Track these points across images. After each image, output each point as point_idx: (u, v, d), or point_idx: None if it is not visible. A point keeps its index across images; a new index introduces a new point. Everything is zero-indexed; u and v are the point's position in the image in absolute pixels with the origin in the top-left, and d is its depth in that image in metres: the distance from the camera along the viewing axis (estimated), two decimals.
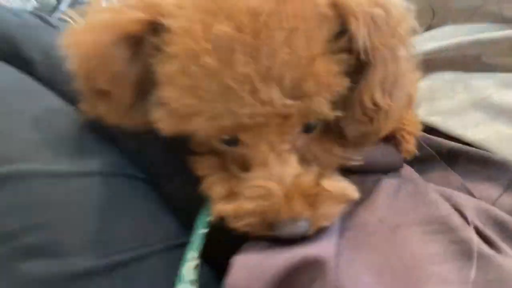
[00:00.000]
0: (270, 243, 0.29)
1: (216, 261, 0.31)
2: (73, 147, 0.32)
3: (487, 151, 0.43)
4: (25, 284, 0.27)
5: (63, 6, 2.64)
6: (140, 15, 0.27)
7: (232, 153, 0.31)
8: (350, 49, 0.28)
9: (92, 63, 0.28)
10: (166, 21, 0.26)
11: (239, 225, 0.29)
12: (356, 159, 0.34)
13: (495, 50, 0.48)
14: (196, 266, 0.29)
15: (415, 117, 0.41)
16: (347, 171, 0.34)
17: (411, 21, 0.31)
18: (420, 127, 0.42)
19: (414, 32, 0.32)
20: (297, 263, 0.27)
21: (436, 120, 0.47)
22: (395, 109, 0.30)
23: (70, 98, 0.35)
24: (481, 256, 0.31)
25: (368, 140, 0.33)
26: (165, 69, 0.27)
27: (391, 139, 0.40)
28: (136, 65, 0.28)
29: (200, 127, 0.27)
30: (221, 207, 0.29)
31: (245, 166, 0.30)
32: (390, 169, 0.39)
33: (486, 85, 0.48)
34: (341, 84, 0.28)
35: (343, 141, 0.33)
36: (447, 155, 0.45)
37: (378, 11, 0.28)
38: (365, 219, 0.33)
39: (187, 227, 0.32)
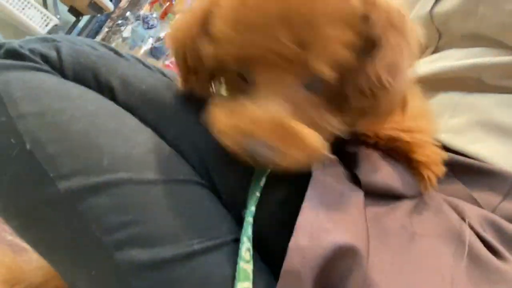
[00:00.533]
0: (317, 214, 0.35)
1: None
2: (157, 160, 0.39)
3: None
4: (125, 267, 0.34)
5: (82, 24, 2.73)
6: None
7: (245, 86, 0.38)
8: (360, 33, 0.35)
9: (182, 48, 0.41)
10: None
11: (222, 135, 0.36)
12: (344, 132, 0.39)
13: (495, 74, 0.52)
14: (248, 251, 0.36)
15: (436, 152, 0.45)
16: (369, 194, 0.39)
17: (420, 38, 0.38)
18: (441, 166, 0.44)
19: (420, 47, 0.39)
20: (338, 249, 0.32)
21: (445, 138, 0.51)
22: (394, 91, 0.36)
23: (144, 120, 0.43)
24: (487, 264, 0.36)
25: (367, 118, 0.39)
26: (218, 9, 0.36)
27: (413, 172, 0.44)
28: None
29: (226, 52, 0.36)
30: (215, 112, 0.37)
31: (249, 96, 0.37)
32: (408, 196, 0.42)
33: (487, 105, 0.52)
34: (342, 53, 0.35)
35: (339, 112, 0.39)
36: (452, 166, 0.48)
37: (397, 19, 0.36)
38: (387, 225, 0.38)
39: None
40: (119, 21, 2.61)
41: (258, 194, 0.39)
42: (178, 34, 0.41)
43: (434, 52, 0.65)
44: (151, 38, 2.68)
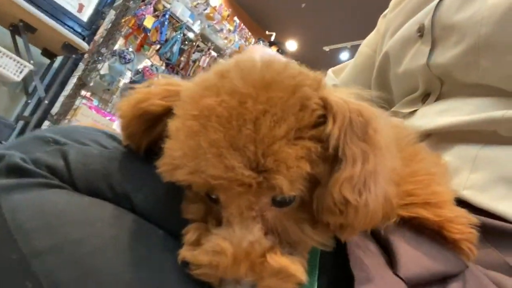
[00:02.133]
0: None
1: None
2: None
3: None
4: None
5: (56, 64, 2.68)
6: (160, 102, 0.38)
7: (214, 208, 0.36)
8: (321, 139, 0.32)
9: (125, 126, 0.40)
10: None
11: (197, 273, 0.33)
12: (328, 245, 0.36)
13: (510, 127, 0.50)
14: None
15: (465, 218, 0.42)
16: (415, 286, 0.36)
17: (389, 134, 0.36)
18: (474, 233, 0.42)
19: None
20: None
21: (468, 194, 0.49)
22: (365, 207, 0.32)
23: (167, 229, 0.39)
24: None
25: (344, 232, 0.35)
26: (171, 125, 0.35)
27: (450, 246, 0.41)
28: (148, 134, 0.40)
29: (182, 178, 0.33)
30: (184, 252, 0.34)
31: (220, 222, 0.35)
32: (454, 274, 0.40)
33: (507, 158, 0.49)
34: (302, 167, 0.31)
35: (318, 224, 0.35)
36: (482, 231, 0.45)
37: (358, 119, 0.33)
38: None
39: None
40: (95, 58, 2.56)
41: None
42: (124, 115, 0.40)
43: (438, 98, 0.63)
44: (129, 72, 2.64)
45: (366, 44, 0.87)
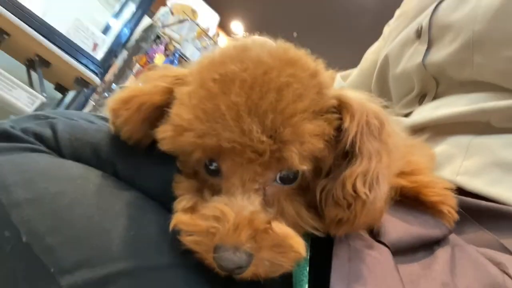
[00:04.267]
0: None
1: None
2: (163, 240, 0.34)
3: None
4: None
5: (68, 99, 2.76)
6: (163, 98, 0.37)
7: (210, 181, 0.35)
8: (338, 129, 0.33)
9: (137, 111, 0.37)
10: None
11: (188, 240, 0.31)
12: (321, 231, 0.35)
13: (502, 117, 0.51)
14: None
15: (441, 182, 0.43)
16: (396, 253, 0.35)
17: (401, 139, 0.37)
18: (449, 192, 0.42)
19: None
20: None
21: (461, 180, 0.50)
22: (372, 201, 0.33)
23: (149, 194, 0.39)
24: None
25: (341, 227, 0.34)
26: (180, 93, 0.35)
27: (430, 211, 0.41)
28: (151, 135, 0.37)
29: (189, 141, 0.32)
30: (178, 217, 0.33)
31: (217, 193, 0.34)
32: (439, 240, 0.40)
33: (499, 145, 0.50)
34: (316, 144, 0.32)
35: (315, 211, 0.35)
36: (477, 214, 0.46)
37: (374, 121, 0.34)
38: (428, 287, 0.34)
39: None
40: (105, 94, 2.64)
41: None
42: (141, 96, 0.38)
43: (434, 99, 0.64)
44: None
45: (372, 51, 0.89)
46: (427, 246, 0.39)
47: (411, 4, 0.77)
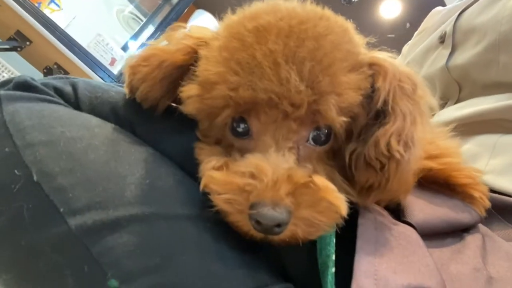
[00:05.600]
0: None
1: None
2: (186, 192, 0.33)
3: None
4: None
5: None
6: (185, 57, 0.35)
7: (238, 144, 0.34)
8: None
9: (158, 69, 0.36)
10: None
11: (220, 199, 0.29)
12: (353, 197, 0.33)
13: None
14: None
15: (474, 171, 0.41)
16: (422, 236, 0.33)
17: (432, 101, 0.36)
18: (484, 186, 0.41)
19: (431, 110, 0.36)
20: None
21: (488, 179, 0.48)
22: (407, 162, 0.31)
23: (168, 154, 0.37)
24: None
25: (372, 193, 0.33)
26: (207, 50, 0.33)
27: (460, 196, 0.40)
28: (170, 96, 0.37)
29: (221, 95, 0.30)
30: (210, 174, 0.30)
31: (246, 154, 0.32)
32: (469, 227, 0.38)
33: None
34: (354, 96, 0.31)
35: (346, 177, 0.34)
36: (504, 211, 0.45)
37: (407, 81, 0.33)
38: (458, 271, 0.32)
39: None
40: None
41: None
42: (162, 54, 0.36)
43: (457, 103, 0.63)
44: None
45: None
46: (456, 233, 0.37)
47: (432, 21, 0.78)
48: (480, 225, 0.39)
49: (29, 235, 0.30)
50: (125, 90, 0.39)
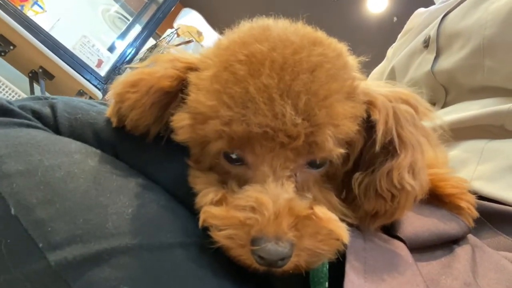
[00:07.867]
0: None
1: None
2: (171, 220, 0.32)
3: None
4: None
5: None
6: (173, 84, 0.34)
7: (233, 171, 0.33)
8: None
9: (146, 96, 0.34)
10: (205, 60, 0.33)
11: (221, 235, 0.29)
12: (349, 219, 0.33)
13: None
14: None
15: (460, 181, 0.41)
16: (412, 250, 0.34)
17: (435, 116, 0.36)
18: (471, 195, 0.41)
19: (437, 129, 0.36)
20: None
21: (476, 185, 0.48)
22: (414, 192, 0.32)
23: (153, 179, 0.36)
24: None
25: (378, 220, 0.33)
26: (198, 79, 0.32)
27: (447, 207, 0.40)
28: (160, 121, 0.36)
29: (214, 130, 0.30)
30: (209, 210, 0.30)
31: (244, 185, 0.31)
32: (458, 238, 0.38)
33: None
34: (350, 127, 0.31)
35: (344, 198, 0.34)
36: (493, 217, 0.44)
37: (403, 106, 0.33)
38: (449, 286, 0.32)
39: None
40: None
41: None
42: (150, 79, 0.34)
43: (443, 107, 0.63)
44: None
45: (375, 72, 0.89)
46: (446, 245, 0.37)
47: (416, 22, 0.77)
48: (470, 236, 0.39)
49: (8, 271, 0.29)
50: (111, 119, 0.38)
